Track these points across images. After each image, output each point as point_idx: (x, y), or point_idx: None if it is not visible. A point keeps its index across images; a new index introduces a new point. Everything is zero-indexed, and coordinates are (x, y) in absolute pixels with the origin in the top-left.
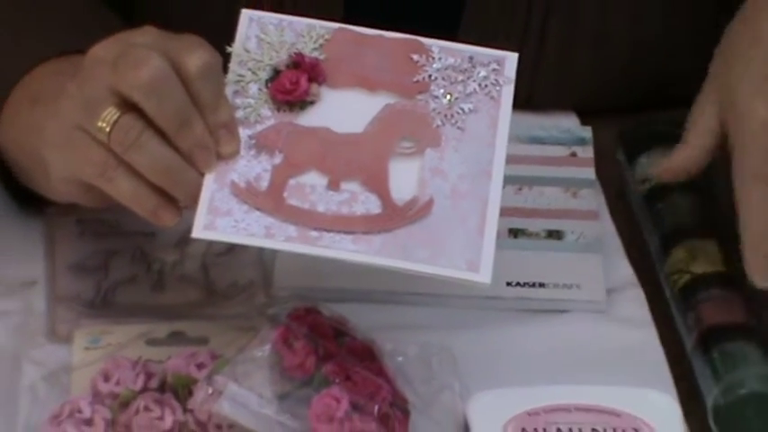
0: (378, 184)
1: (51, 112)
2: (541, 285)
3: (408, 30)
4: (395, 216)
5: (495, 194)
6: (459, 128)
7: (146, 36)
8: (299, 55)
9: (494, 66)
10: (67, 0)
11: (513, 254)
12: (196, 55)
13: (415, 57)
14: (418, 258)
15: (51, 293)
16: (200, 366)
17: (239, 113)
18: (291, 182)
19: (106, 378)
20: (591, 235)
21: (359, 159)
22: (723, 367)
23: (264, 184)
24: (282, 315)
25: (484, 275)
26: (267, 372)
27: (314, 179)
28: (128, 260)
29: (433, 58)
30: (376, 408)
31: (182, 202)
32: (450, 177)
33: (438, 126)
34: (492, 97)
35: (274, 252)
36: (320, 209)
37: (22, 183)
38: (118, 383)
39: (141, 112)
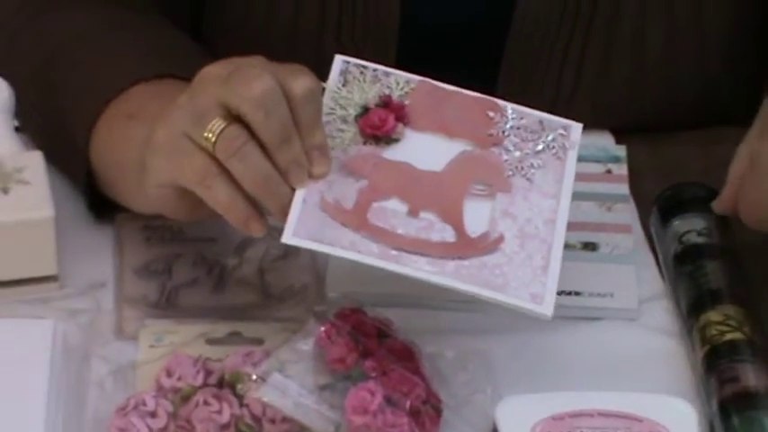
0: (453, 217)
1: (158, 123)
2: (577, 294)
3: (455, 56)
4: (468, 246)
5: (559, 240)
6: (527, 179)
7: (256, 60)
8: (388, 97)
9: (560, 131)
10: (159, 28)
11: None
12: (301, 80)
13: (491, 114)
14: (488, 285)
15: (119, 294)
16: (255, 365)
17: (329, 142)
18: (375, 205)
19: (169, 374)
20: (624, 247)
21: (436, 194)
22: None
23: (350, 203)
24: (329, 313)
25: (546, 308)
26: (310, 364)
27: (395, 205)
28: (190, 264)
29: (507, 118)
30: (408, 403)
31: (272, 214)
32: (518, 220)
33: (509, 176)
34: (558, 158)
35: (327, 258)
36: (400, 231)
37: (103, 191)
38: (180, 379)
39: (245, 126)
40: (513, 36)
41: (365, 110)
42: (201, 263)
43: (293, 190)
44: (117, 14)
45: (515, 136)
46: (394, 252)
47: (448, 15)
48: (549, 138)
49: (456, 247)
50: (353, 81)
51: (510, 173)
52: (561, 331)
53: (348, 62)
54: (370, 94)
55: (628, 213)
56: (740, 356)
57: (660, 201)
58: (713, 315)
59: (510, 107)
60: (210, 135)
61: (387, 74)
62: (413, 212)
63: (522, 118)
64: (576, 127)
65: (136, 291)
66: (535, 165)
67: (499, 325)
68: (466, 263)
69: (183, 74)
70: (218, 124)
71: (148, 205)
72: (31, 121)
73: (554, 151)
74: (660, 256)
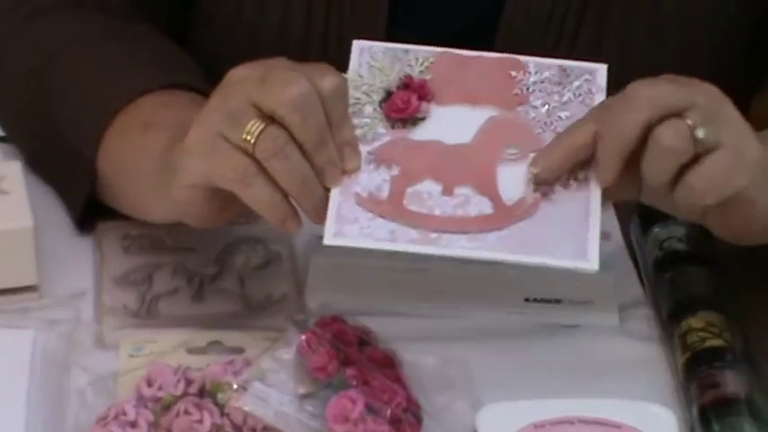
0: (488, 187)
1: (192, 126)
2: (557, 302)
3: (448, 39)
4: (506, 215)
5: (596, 190)
6: (557, 133)
7: (282, 62)
8: (408, 77)
9: (586, 76)
10: (150, 38)
11: (531, 271)
12: (328, 78)
13: (514, 73)
14: (530, 251)
15: (99, 304)
16: (236, 374)
17: (357, 132)
18: (409, 190)
19: (149, 383)
20: (604, 254)
21: (469, 167)
22: None
23: (385, 193)
24: (309, 321)
25: (592, 262)
26: (291, 372)
27: (429, 186)
28: (170, 273)
29: (530, 73)
30: (388, 411)
31: (307, 213)
32: None
33: (538, 133)
34: (586, 105)
35: (306, 267)
36: (437, 212)
37: (105, 201)
38: (160, 388)
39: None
40: (505, 20)
41: (388, 94)
42: (182, 272)
43: (327, 190)
44: (108, 23)
45: (540, 91)
46: (434, 235)
47: (436, 15)
48: (575, 85)
49: (494, 218)
50: (374, 66)
51: (539, 130)
52: (541, 338)
53: (365, 47)
54: (392, 77)
55: (607, 221)
56: (721, 363)
57: (641, 208)
58: (694, 321)
59: (532, 61)
60: (249, 136)
61: (405, 51)
62: (447, 191)
63: (545, 71)
64: (602, 69)
65: (116, 300)
66: (563, 117)
67: (479, 332)
68: (505, 232)
69: (184, 83)
70: (256, 125)
71: (168, 212)
72: (20, 125)
73: (581, 99)
74: (640, 263)
